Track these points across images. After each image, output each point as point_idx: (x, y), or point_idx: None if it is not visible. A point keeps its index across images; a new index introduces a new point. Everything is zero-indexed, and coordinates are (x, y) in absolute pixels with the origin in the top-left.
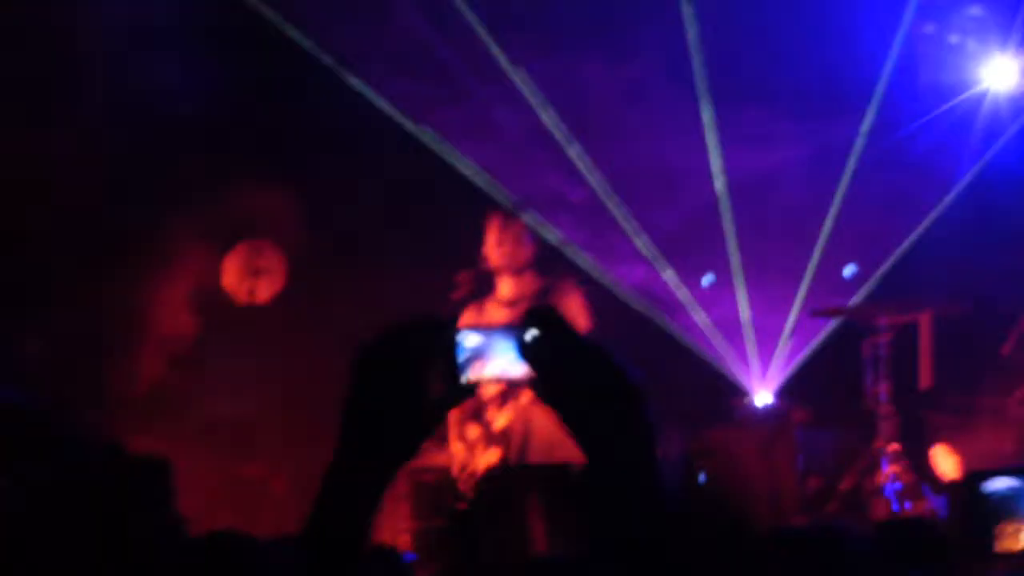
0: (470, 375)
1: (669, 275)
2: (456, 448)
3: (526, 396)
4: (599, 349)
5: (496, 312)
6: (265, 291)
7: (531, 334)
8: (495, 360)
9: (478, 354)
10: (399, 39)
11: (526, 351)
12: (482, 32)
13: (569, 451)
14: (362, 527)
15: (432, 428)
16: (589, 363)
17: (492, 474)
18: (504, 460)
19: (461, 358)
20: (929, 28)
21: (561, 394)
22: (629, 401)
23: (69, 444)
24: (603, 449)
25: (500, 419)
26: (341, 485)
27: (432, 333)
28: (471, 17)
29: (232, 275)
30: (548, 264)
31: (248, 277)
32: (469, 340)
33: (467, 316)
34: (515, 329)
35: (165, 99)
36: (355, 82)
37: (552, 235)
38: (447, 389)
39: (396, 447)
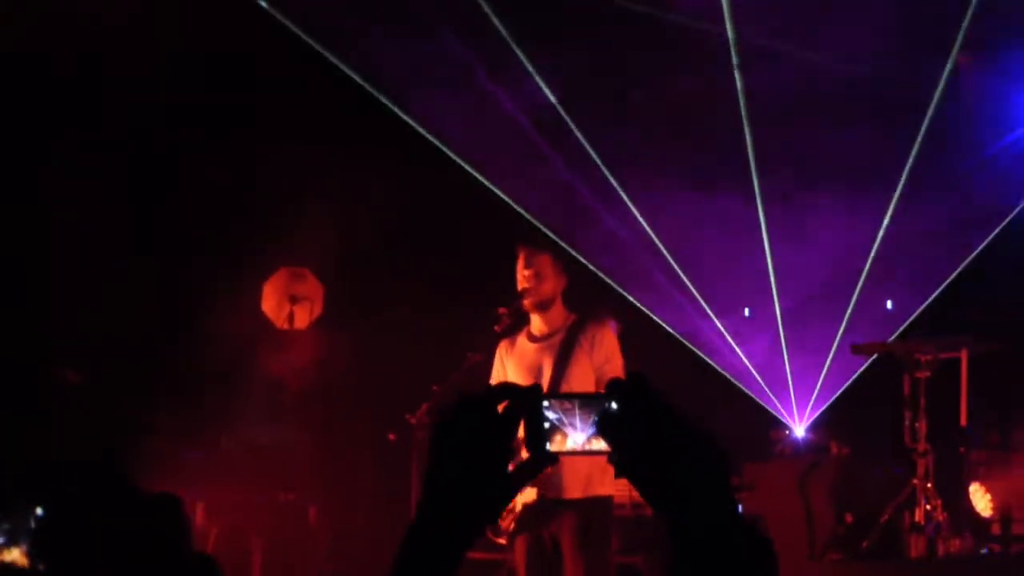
0: (552, 446)
1: (709, 312)
2: None
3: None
4: (684, 423)
5: (526, 347)
6: (303, 318)
7: (612, 406)
8: (577, 431)
9: (560, 424)
10: (463, 93)
11: (605, 425)
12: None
13: (603, 485)
14: None
15: (513, 496)
16: (672, 438)
17: (528, 510)
18: (540, 496)
19: (544, 427)
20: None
21: (642, 469)
22: (714, 476)
23: (84, 486)
24: (688, 525)
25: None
26: (421, 549)
27: (516, 401)
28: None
29: (271, 301)
30: (582, 300)
31: (287, 303)
32: (552, 409)
33: (500, 350)
34: (597, 400)
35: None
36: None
37: (590, 272)
38: (530, 458)
39: (476, 513)
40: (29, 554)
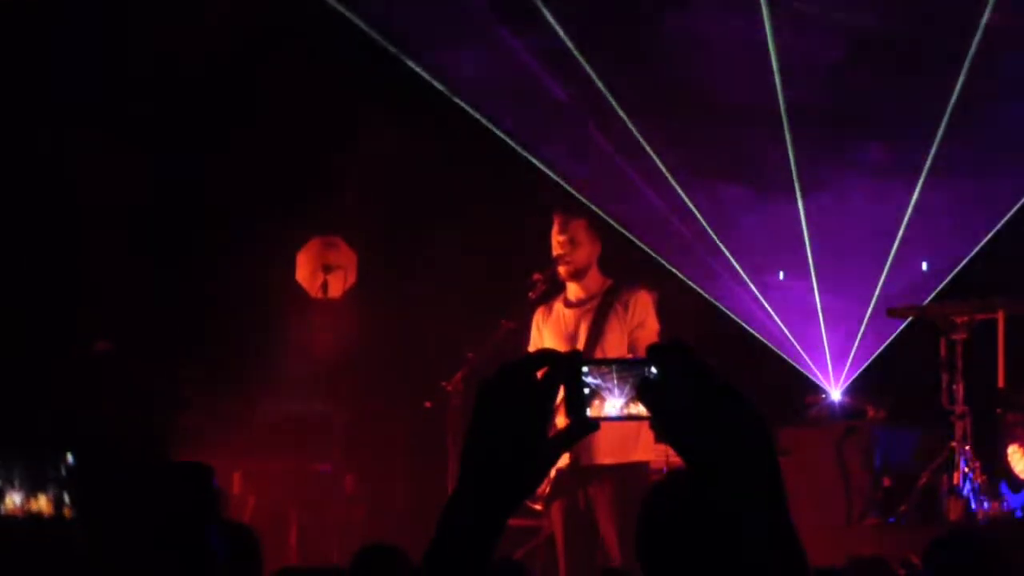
0: (590, 412)
1: (743, 275)
2: None
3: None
4: (725, 388)
5: (562, 312)
6: (337, 286)
7: (652, 372)
8: (615, 397)
9: (599, 390)
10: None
11: (645, 390)
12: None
13: (637, 451)
14: (482, 559)
15: (553, 462)
16: (714, 403)
17: (563, 475)
18: (574, 461)
19: (584, 393)
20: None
21: (683, 434)
22: (757, 442)
23: (109, 452)
24: (729, 490)
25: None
26: (462, 517)
27: (556, 368)
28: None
29: (305, 270)
30: (617, 266)
31: (320, 272)
32: (591, 375)
33: (537, 316)
34: (637, 365)
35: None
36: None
37: (625, 238)
38: (570, 424)
39: (518, 481)
40: (55, 501)
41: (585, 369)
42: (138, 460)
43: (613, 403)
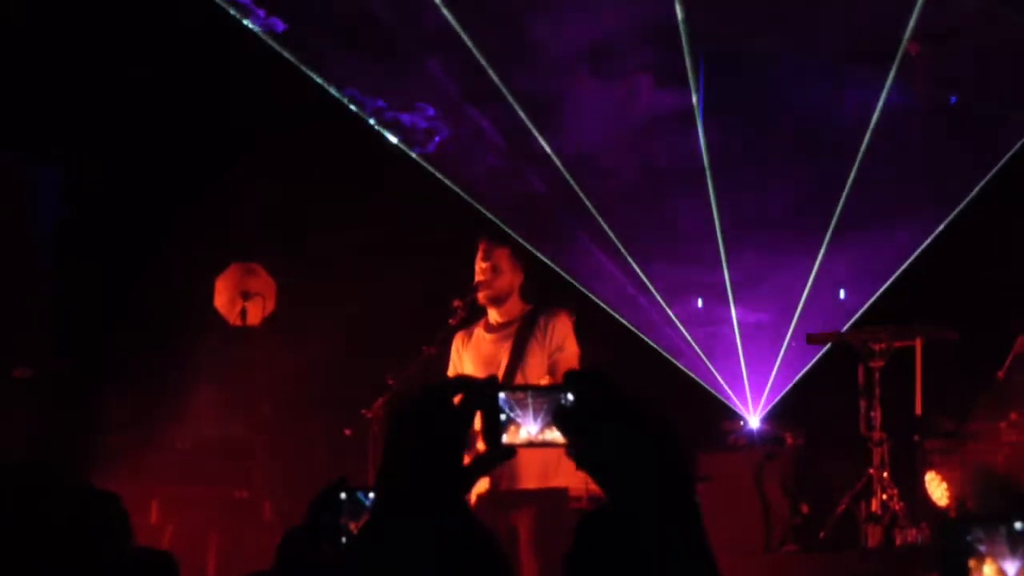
0: (507, 438)
1: (662, 302)
2: None
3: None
4: (642, 414)
5: (482, 337)
6: (256, 314)
7: (568, 398)
8: (531, 423)
9: (515, 416)
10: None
11: (560, 417)
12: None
13: (558, 476)
14: None
15: (469, 488)
16: (629, 430)
17: (482, 500)
18: (494, 486)
19: (501, 419)
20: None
21: (599, 461)
22: (674, 469)
23: (22, 480)
24: (646, 519)
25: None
26: (379, 543)
27: (472, 393)
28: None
29: (223, 297)
30: (537, 293)
31: (239, 299)
32: (507, 401)
33: (456, 342)
34: (553, 391)
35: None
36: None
37: (543, 263)
38: (486, 450)
39: (433, 506)
40: None
41: (502, 396)
42: (53, 485)
43: (529, 430)
